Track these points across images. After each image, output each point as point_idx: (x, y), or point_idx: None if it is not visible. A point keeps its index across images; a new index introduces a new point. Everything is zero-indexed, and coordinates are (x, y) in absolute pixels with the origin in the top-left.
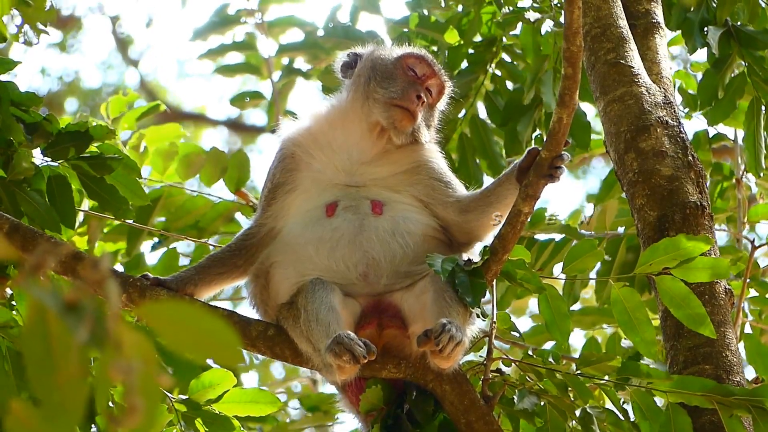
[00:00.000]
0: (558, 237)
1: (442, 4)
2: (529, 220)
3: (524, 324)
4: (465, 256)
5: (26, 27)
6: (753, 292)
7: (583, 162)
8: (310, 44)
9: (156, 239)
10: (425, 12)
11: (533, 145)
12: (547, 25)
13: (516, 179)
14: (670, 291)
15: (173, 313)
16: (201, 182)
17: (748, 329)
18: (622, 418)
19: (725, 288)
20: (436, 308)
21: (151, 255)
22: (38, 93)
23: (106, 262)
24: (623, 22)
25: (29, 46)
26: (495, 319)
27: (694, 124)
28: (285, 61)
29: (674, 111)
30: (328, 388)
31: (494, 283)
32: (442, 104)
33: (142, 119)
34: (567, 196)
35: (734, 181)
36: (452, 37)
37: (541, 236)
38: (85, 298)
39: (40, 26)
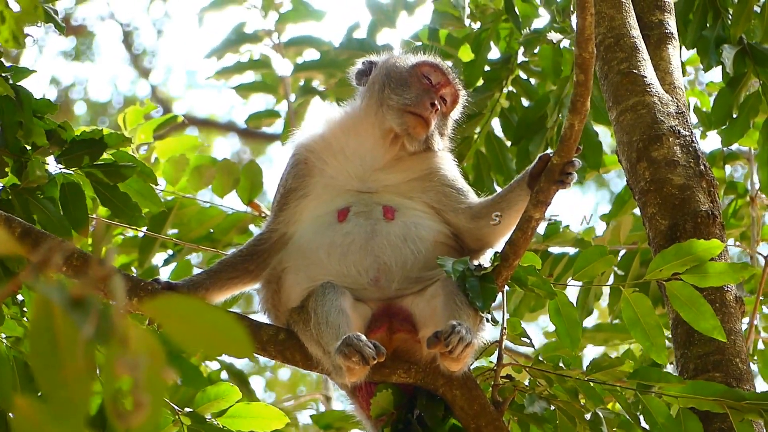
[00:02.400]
0: (572, 251)
1: (466, 22)
2: (540, 226)
3: (534, 338)
4: (476, 262)
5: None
6: (765, 309)
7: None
8: (327, 63)
9: (170, 251)
10: (449, 28)
11: (542, 153)
12: (567, 45)
13: (527, 185)
14: (680, 296)
15: (182, 309)
16: (213, 193)
17: (761, 345)
18: (633, 422)
19: (735, 296)
20: (446, 312)
21: (164, 268)
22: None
23: (111, 258)
24: (636, 32)
25: (13, 49)
26: (505, 325)
27: (709, 143)
28: (302, 80)
29: (686, 121)
30: (340, 406)
31: (504, 288)
32: (455, 113)
33: (158, 130)
34: (576, 207)
35: (748, 198)
36: (466, 54)
37: (555, 249)
38: (90, 294)
39: (26, 30)
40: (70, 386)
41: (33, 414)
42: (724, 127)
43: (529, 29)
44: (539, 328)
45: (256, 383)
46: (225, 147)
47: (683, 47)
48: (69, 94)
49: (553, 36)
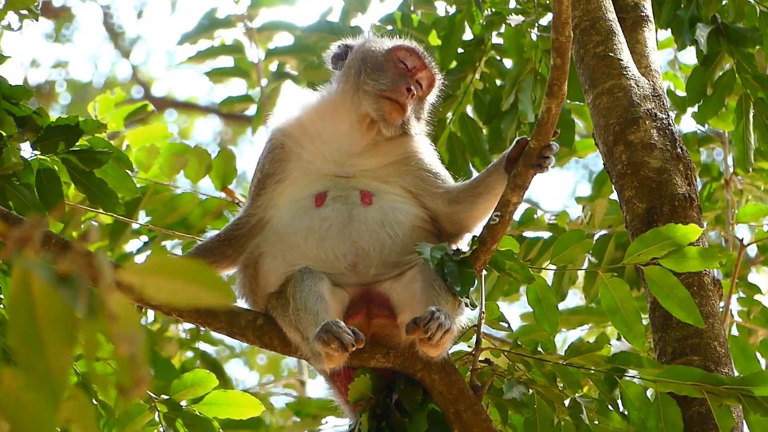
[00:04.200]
0: (545, 235)
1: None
2: (517, 210)
3: (511, 321)
4: (454, 247)
5: (9, 12)
6: (742, 293)
7: (573, 154)
8: (300, 48)
9: (144, 237)
10: (417, 13)
11: (519, 137)
12: (532, 26)
13: (505, 169)
14: (658, 281)
15: (156, 266)
16: (187, 179)
17: (735, 331)
18: (611, 408)
19: (713, 278)
20: (425, 297)
21: (138, 256)
22: (28, 85)
23: (93, 235)
24: (612, 15)
25: (11, 31)
26: (483, 309)
27: (683, 126)
28: (274, 65)
29: (663, 103)
30: (315, 390)
31: (483, 273)
32: (432, 97)
33: (130, 119)
34: (556, 186)
35: (723, 181)
36: (435, 40)
37: (529, 234)
38: (75, 271)
39: (24, 11)
40: (50, 359)
41: (12, 384)
42: (698, 105)
43: (492, 11)
44: (520, 309)
45: (237, 365)
46: (206, 128)
47: (658, 28)
48: (57, 75)
49: (513, 19)
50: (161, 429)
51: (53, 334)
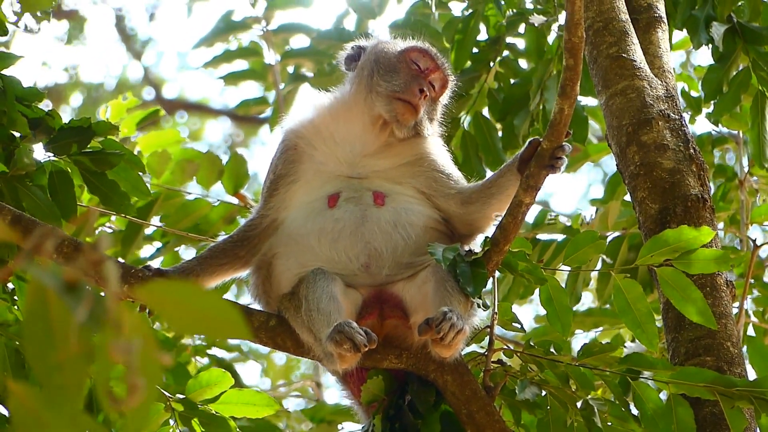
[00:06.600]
0: (560, 237)
1: (433, 9)
2: (530, 211)
3: (525, 323)
4: (466, 248)
5: (27, 15)
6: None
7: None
8: (316, 51)
9: (157, 243)
10: (435, 16)
11: (531, 137)
12: (553, 29)
13: (517, 170)
14: (671, 282)
15: (175, 294)
16: (199, 185)
17: (751, 331)
18: (624, 409)
19: (726, 280)
20: (437, 298)
21: (152, 262)
22: (40, 87)
23: (103, 244)
24: (625, 16)
25: (30, 34)
26: (496, 310)
27: (698, 127)
28: (291, 67)
29: (676, 104)
30: (331, 395)
31: (495, 274)
32: (445, 98)
33: (142, 123)
34: (570, 188)
35: (737, 182)
36: (445, 44)
37: (543, 236)
38: (83, 279)
39: (41, 13)
40: (66, 372)
41: (28, 401)
42: (713, 102)
43: (513, 11)
44: (533, 312)
45: (251, 369)
46: (217, 130)
47: (674, 29)
48: (68, 78)
49: (536, 19)
50: (177, 430)
51: (69, 349)
